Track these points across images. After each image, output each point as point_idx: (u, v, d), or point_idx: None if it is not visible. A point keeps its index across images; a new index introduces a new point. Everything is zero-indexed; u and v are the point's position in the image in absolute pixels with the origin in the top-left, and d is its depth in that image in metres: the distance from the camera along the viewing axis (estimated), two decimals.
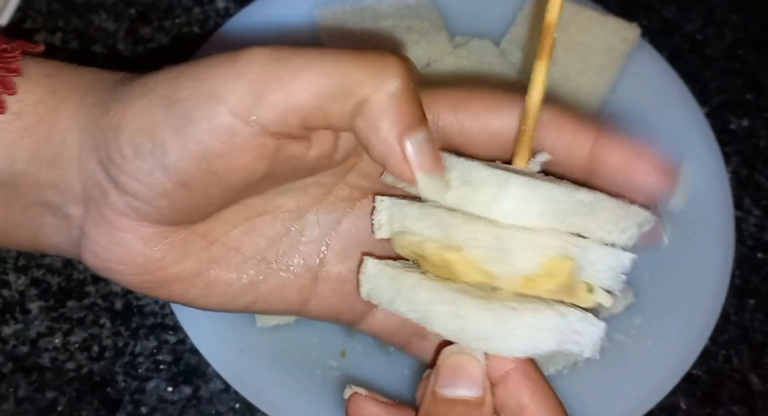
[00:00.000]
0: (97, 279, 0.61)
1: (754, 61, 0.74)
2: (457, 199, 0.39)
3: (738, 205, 0.67)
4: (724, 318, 0.62)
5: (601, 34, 0.67)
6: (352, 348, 0.59)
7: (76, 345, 0.59)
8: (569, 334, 0.38)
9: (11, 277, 0.61)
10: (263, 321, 0.57)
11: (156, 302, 0.61)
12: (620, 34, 0.67)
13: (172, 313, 0.60)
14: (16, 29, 0.70)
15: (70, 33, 0.71)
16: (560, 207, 0.38)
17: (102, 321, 0.60)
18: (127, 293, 0.61)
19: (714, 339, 0.61)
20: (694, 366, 0.59)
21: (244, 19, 0.68)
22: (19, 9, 0.70)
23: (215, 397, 0.58)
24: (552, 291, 0.39)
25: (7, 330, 0.59)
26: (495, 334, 0.38)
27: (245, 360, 0.57)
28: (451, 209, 0.40)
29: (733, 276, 0.62)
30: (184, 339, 0.60)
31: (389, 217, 0.42)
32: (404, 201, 0.41)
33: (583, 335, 0.38)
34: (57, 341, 0.59)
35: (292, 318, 0.58)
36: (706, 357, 0.61)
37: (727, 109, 0.72)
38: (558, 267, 0.38)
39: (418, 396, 0.41)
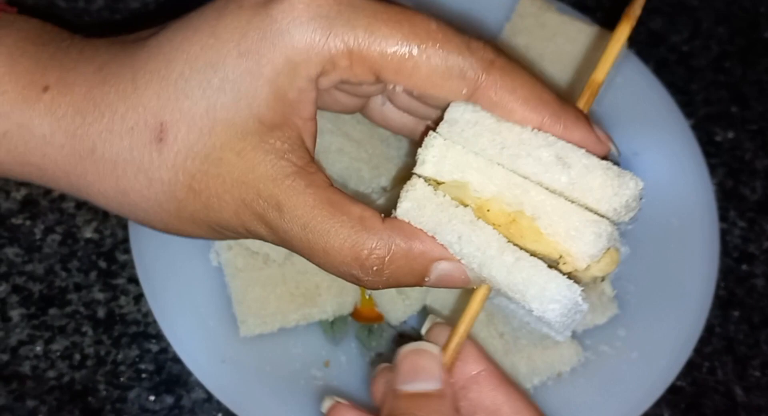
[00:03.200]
0: (79, 287, 0.61)
1: (740, 73, 0.74)
2: (559, 179, 0.42)
3: (723, 217, 0.67)
4: (709, 329, 0.62)
5: (588, 44, 0.67)
6: (335, 359, 0.58)
7: (58, 354, 0.59)
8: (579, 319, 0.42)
9: None
10: (246, 330, 0.57)
11: (139, 310, 0.60)
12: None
13: (154, 322, 0.59)
14: None
15: None
16: (638, 207, 0.43)
17: (84, 329, 0.60)
18: (109, 300, 0.61)
19: (698, 350, 0.61)
20: (678, 377, 0.59)
21: None
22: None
23: (197, 407, 0.58)
24: (595, 277, 0.42)
25: None
26: (559, 301, 0.41)
27: (228, 369, 0.56)
28: (515, 172, 0.42)
29: (718, 288, 0.62)
30: (166, 348, 0.59)
31: (440, 158, 0.43)
32: (461, 147, 0.43)
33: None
34: (38, 349, 0.59)
35: (275, 328, 0.57)
36: (690, 368, 0.61)
37: (712, 121, 0.72)
38: (614, 257, 0.42)
39: (373, 394, 0.41)
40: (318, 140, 0.56)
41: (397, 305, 0.58)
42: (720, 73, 0.74)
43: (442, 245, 0.41)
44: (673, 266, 0.61)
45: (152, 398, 0.58)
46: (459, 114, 0.43)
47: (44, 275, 0.61)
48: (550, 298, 0.41)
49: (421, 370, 0.41)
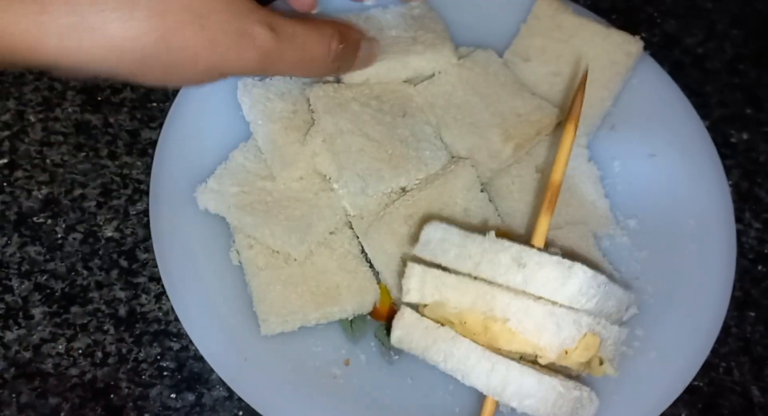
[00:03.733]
0: (101, 285, 0.61)
1: (755, 75, 0.74)
2: (515, 278, 0.49)
3: (738, 218, 0.67)
4: (725, 330, 0.63)
5: (605, 47, 0.67)
6: (355, 357, 0.59)
7: (80, 351, 0.59)
8: (580, 406, 0.49)
9: (14, 282, 0.61)
10: (267, 329, 0.57)
11: (160, 308, 0.61)
12: (623, 48, 0.67)
13: (176, 320, 0.60)
14: None
15: None
16: (599, 292, 0.48)
17: (106, 327, 0.60)
18: (131, 299, 0.61)
19: (715, 350, 0.61)
20: (696, 377, 0.59)
21: None
22: None
23: (218, 404, 0.58)
24: (580, 363, 0.48)
25: (10, 336, 0.59)
26: (534, 395, 0.47)
27: (249, 367, 0.57)
28: (490, 282, 0.49)
29: (734, 289, 0.63)
30: (187, 346, 0.60)
31: (420, 283, 0.52)
32: (437, 270, 0.51)
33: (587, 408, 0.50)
34: (60, 347, 0.59)
35: (296, 327, 0.58)
36: (707, 368, 0.61)
37: (727, 122, 0.72)
38: (590, 342, 0.48)
39: None
40: (338, 140, 0.57)
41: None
42: (735, 75, 0.74)
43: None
44: (690, 267, 0.62)
45: (173, 395, 0.58)
46: (431, 233, 0.53)
47: (66, 274, 0.61)
48: (525, 394, 0.47)
49: None
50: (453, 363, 0.49)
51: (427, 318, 0.52)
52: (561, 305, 0.48)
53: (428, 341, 0.50)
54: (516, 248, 0.49)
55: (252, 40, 0.47)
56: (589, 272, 0.48)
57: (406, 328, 0.51)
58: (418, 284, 0.52)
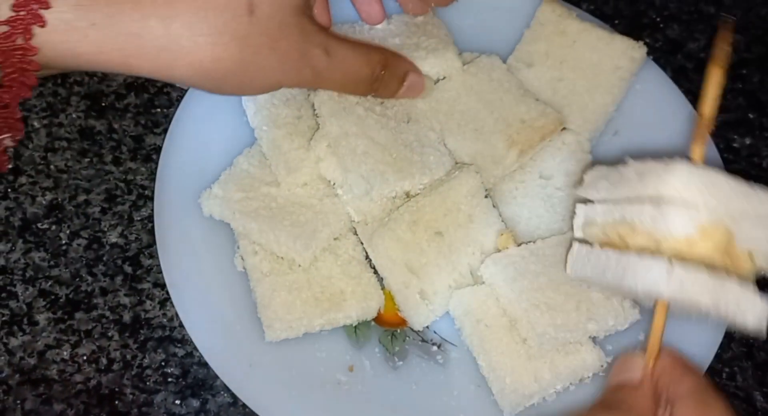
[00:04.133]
0: (105, 291, 0.61)
1: (758, 80, 0.75)
2: (633, 187, 0.50)
3: None
4: (728, 335, 0.63)
5: (608, 52, 0.68)
6: (359, 363, 0.59)
7: (84, 358, 0.59)
8: (724, 297, 0.47)
9: (19, 288, 0.61)
10: (272, 335, 0.58)
11: (164, 315, 0.61)
12: (627, 53, 0.67)
13: (180, 326, 0.60)
14: None
15: None
16: (719, 190, 0.48)
17: (110, 333, 0.60)
18: (135, 305, 0.61)
19: (718, 356, 0.61)
20: None
21: None
22: None
23: (223, 411, 0.58)
24: (710, 255, 0.47)
25: (15, 342, 0.59)
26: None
27: (253, 373, 0.57)
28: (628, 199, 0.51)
29: None
30: (191, 352, 0.60)
31: (585, 218, 0.54)
32: (593, 205, 0.54)
33: (740, 302, 0.48)
34: (65, 353, 0.59)
35: (300, 333, 0.58)
36: (710, 374, 0.61)
37: (730, 127, 0.72)
38: (713, 232, 0.47)
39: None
40: (343, 142, 0.58)
41: (420, 311, 0.59)
42: (737, 80, 0.75)
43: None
44: None
45: (178, 402, 0.58)
46: (590, 175, 0.55)
47: (70, 280, 0.62)
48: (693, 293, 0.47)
49: (626, 367, 0.50)
50: (621, 276, 0.50)
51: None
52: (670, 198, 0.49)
53: (601, 267, 0.51)
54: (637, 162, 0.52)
55: (309, 60, 0.53)
56: (694, 167, 0.49)
57: (580, 259, 0.53)
58: (583, 220, 0.54)
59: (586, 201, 0.55)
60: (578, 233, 0.55)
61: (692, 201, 0.48)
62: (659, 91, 0.69)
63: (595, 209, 0.54)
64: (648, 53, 0.69)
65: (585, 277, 0.53)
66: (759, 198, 0.49)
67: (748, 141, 0.72)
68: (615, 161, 0.54)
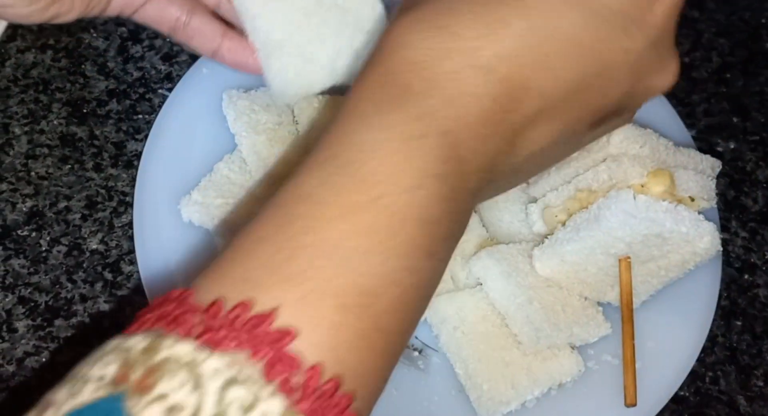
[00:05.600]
0: (85, 298, 0.61)
1: (741, 84, 0.74)
2: (581, 161, 0.57)
3: (725, 227, 0.67)
4: (712, 339, 0.63)
5: None
6: None
7: (64, 365, 0.59)
8: (681, 219, 0.53)
9: None
10: None
11: None
12: None
13: None
14: (4, 47, 0.70)
15: (60, 51, 0.71)
16: (653, 144, 0.58)
17: (90, 340, 0.60)
18: (115, 312, 0.61)
19: (701, 360, 0.61)
20: (681, 387, 0.59)
21: None
22: (9, 26, 0.70)
23: None
24: (662, 196, 0.55)
25: None
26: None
27: None
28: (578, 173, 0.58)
29: (720, 298, 0.63)
30: None
31: (538, 210, 0.60)
32: (545, 196, 0.59)
33: (694, 223, 0.54)
34: (44, 360, 0.59)
35: None
36: (693, 378, 0.61)
37: (714, 131, 0.72)
38: (661, 175, 0.55)
39: None
40: None
41: None
42: (721, 84, 0.74)
43: None
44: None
45: None
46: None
47: (50, 287, 0.61)
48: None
49: None
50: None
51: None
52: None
53: (574, 225, 0.56)
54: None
55: None
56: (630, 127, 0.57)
57: (548, 247, 0.57)
58: (538, 214, 0.60)
59: (536, 200, 0.60)
60: (537, 227, 0.60)
61: (637, 153, 0.56)
62: None
63: (549, 197, 0.59)
64: None
65: (557, 267, 0.57)
66: (689, 154, 0.59)
67: (731, 145, 0.72)
68: None
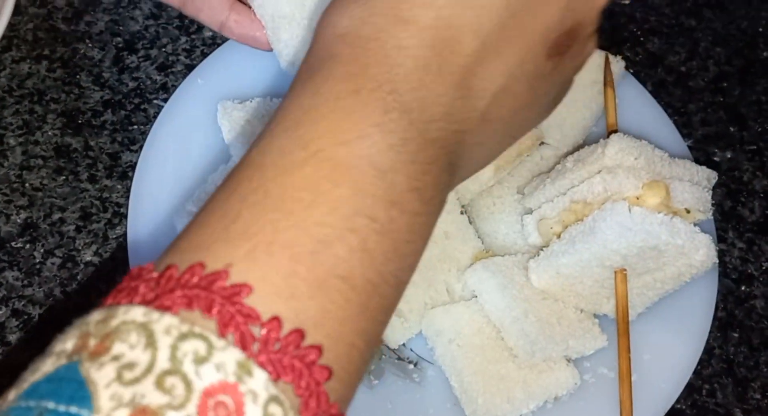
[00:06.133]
0: (80, 310, 0.61)
1: (738, 94, 0.74)
2: (575, 173, 0.58)
3: (721, 237, 0.67)
4: (708, 351, 0.62)
5: (586, 67, 0.67)
6: None
7: None
8: (677, 231, 0.53)
9: None
10: None
11: None
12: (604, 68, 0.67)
13: None
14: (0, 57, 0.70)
15: (55, 61, 0.70)
16: (648, 155, 0.57)
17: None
18: None
19: (698, 372, 0.61)
20: (678, 399, 0.59)
21: (231, 49, 0.68)
22: (4, 37, 0.70)
23: None
24: (657, 207, 0.54)
25: None
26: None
27: None
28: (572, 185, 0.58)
29: (717, 309, 0.62)
30: None
31: (533, 222, 0.59)
32: (540, 207, 0.59)
33: (690, 235, 0.54)
34: None
35: None
36: (690, 390, 0.61)
37: (710, 141, 0.72)
38: (656, 187, 0.55)
39: None
40: None
41: (395, 328, 0.58)
42: (718, 93, 0.74)
43: None
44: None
45: None
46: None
47: (44, 299, 0.61)
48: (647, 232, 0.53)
49: None
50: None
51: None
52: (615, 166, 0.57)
53: (569, 237, 0.56)
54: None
55: None
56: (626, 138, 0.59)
57: (543, 258, 0.58)
58: (533, 225, 0.59)
59: (532, 212, 0.60)
60: (532, 239, 0.60)
61: (632, 164, 0.56)
62: (638, 106, 0.69)
63: (544, 209, 0.58)
64: (628, 67, 0.69)
65: (552, 279, 0.57)
66: (684, 165, 0.59)
67: (728, 155, 0.71)
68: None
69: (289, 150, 0.36)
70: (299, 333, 0.33)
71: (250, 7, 0.60)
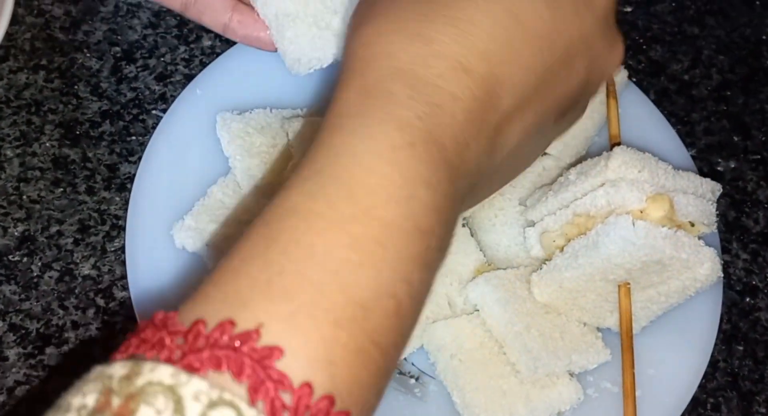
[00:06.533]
0: (76, 325, 0.60)
1: (741, 102, 0.74)
2: (578, 186, 0.57)
3: (725, 249, 0.66)
4: (713, 364, 0.62)
5: None
6: None
7: (55, 394, 0.58)
8: (681, 245, 0.53)
9: None
10: None
11: None
12: None
13: None
14: None
15: (53, 72, 0.70)
16: (652, 168, 0.56)
17: (81, 368, 0.59)
18: (107, 339, 0.60)
19: (702, 386, 0.61)
20: (683, 414, 0.58)
21: (231, 59, 0.67)
22: (1, 47, 0.69)
23: None
24: (661, 221, 0.53)
25: None
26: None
27: None
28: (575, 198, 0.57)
29: (721, 321, 0.62)
30: None
31: (535, 235, 0.59)
32: (543, 220, 0.58)
33: (694, 249, 0.53)
34: (35, 389, 0.58)
35: None
36: (694, 404, 0.60)
37: (714, 150, 0.71)
38: (660, 200, 0.53)
39: None
40: None
41: None
42: (721, 102, 0.74)
43: None
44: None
45: None
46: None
47: (41, 314, 0.60)
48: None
49: None
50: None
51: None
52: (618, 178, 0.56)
53: (572, 251, 0.56)
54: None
55: None
56: (630, 150, 0.57)
57: (547, 272, 0.57)
58: (535, 238, 0.59)
59: (534, 224, 0.59)
60: (534, 252, 0.59)
61: (636, 177, 0.55)
62: (641, 115, 0.68)
63: (547, 222, 0.58)
64: (630, 76, 0.69)
65: (555, 293, 0.57)
66: (688, 177, 0.57)
67: (732, 164, 0.71)
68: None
69: (338, 202, 0.34)
70: (330, 400, 0.31)
71: (252, 8, 0.60)
